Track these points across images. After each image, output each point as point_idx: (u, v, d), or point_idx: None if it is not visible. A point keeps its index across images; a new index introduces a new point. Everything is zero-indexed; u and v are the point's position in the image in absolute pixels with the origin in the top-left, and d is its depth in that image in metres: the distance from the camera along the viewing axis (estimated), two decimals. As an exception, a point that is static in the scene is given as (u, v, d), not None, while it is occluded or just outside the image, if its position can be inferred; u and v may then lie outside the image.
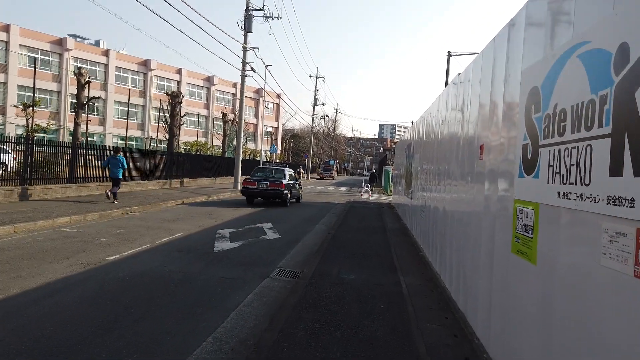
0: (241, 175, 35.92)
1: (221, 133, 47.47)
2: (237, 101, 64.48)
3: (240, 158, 26.27)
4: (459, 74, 6.47)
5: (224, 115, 34.35)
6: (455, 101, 6.55)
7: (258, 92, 62.04)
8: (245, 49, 25.67)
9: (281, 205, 18.42)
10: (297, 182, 21.25)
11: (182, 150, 34.35)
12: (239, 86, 63.53)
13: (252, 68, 25.99)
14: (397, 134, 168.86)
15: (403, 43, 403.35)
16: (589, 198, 2.36)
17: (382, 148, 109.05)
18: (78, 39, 50.65)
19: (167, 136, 43.02)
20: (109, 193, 14.82)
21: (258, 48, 26.24)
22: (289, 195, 18.51)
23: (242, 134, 46.07)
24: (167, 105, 26.13)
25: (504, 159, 3.96)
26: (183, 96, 25.94)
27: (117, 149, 16.05)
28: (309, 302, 5.49)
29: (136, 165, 22.09)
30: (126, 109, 51.23)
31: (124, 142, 48.03)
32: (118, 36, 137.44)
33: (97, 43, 57.57)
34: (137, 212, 13.50)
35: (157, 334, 4.40)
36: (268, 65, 30.90)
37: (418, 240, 10.34)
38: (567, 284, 2.62)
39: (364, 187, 30.99)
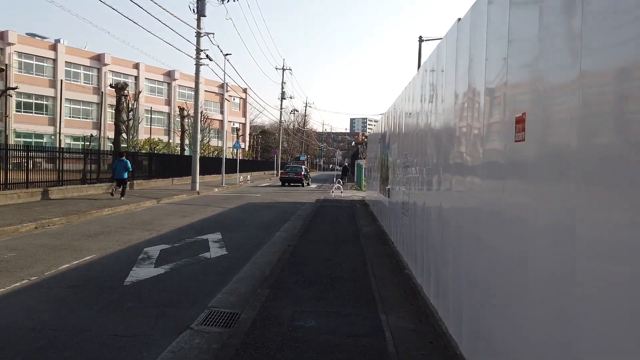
0: (203, 175, 33.46)
1: (188, 130, 44.60)
2: (201, 96, 61.74)
3: (198, 156, 23.72)
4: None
5: (182, 110, 31.58)
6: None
7: (222, 87, 59.09)
8: (199, 35, 23.08)
9: (300, 186, 31.52)
10: (307, 174, 35.82)
11: (133, 149, 31.43)
12: (202, 80, 60.90)
13: (207, 56, 23.43)
14: (369, 128, 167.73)
15: (373, 34, 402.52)
16: None
17: (353, 142, 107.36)
18: (37, 38, 46.61)
19: (124, 135, 39.94)
20: (112, 190, 17.72)
21: (213, 34, 23.78)
22: (304, 180, 32.40)
23: (200, 129, 43.08)
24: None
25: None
26: (128, 86, 23.10)
27: (121, 153, 18.35)
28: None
29: (75, 167, 19.32)
30: (79, 107, 48.06)
31: (81, 143, 44.69)
32: (80, 36, 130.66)
33: (56, 42, 53.42)
34: (56, 225, 10.96)
35: None
36: (227, 54, 28.36)
37: (399, 249, 8.24)
38: None
39: (335, 183, 28.89)
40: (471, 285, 3.69)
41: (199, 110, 23.57)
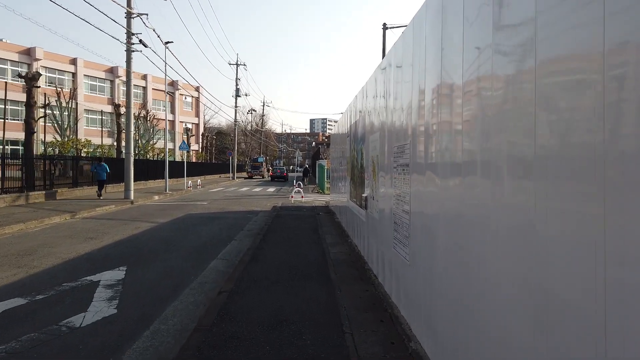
0: (147, 180, 29.62)
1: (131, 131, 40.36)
2: (148, 95, 57.28)
3: (132, 158, 20.09)
4: None
5: (117, 107, 27.68)
6: None
7: (173, 84, 55.00)
8: (129, 15, 19.50)
9: (284, 181, 43.78)
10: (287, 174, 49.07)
11: (53, 151, 27.22)
12: (149, 78, 56.52)
13: (141, 41, 19.84)
14: (329, 128, 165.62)
15: (334, 30, 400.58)
16: None
17: (314, 142, 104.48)
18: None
19: (58, 137, 35.46)
20: (98, 192, 19.42)
21: (147, 14, 20.21)
22: (287, 177, 47.72)
23: (145, 129, 39.09)
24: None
25: None
26: (40, 76, 19.20)
27: (100, 159, 21.69)
28: None
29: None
30: (4, 106, 42.73)
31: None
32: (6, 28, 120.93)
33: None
34: None
35: None
36: (168, 42, 24.76)
37: (392, 295, 5.31)
38: None
39: (295, 186, 25.84)
40: None
41: (131, 105, 19.93)
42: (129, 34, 19.61)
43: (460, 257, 3.08)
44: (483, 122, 2.74)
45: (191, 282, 6.50)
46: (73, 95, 36.45)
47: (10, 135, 39.09)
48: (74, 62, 47.65)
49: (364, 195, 7.69)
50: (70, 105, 35.30)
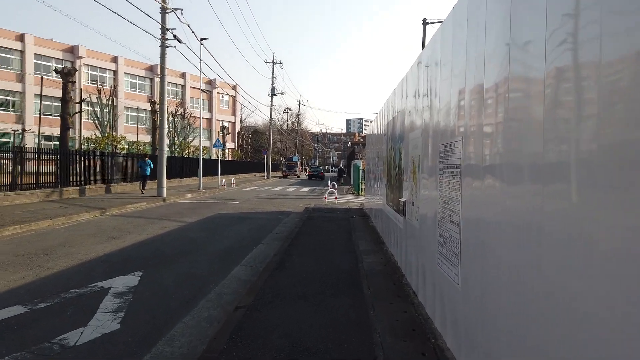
0: (181, 178, 29.60)
1: (168, 129, 40.61)
2: (186, 93, 57.86)
3: (165, 155, 19.87)
4: None
5: (153, 104, 27.70)
6: None
7: (211, 83, 55.30)
8: (164, 10, 19.29)
9: (320, 180, 45.14)
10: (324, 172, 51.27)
11: (89, 148, 27.50)
12: (187, 76, 57.08)
13: (175, 36, 19.61)
14: (365, 128, 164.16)
15: (370, 29, 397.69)
16: None
17: (349, 142, 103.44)
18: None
19: (98, 133, 36.08)
20: (142, 188, 20.61)
21: (181, 10, 19.91)
22: (324, 175, 50.48)
23: (181, 128, 39.32)
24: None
25: None
26: (76, 71, 19.27)
27: (144, 155, 22.32)
28: None
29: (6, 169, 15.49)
30: (51, 103, 44.00)
31: (50, 143, 40.74)
32: (49, 27, 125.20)
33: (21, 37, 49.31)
34: None
35: None
36: (203, 39, 24.51)
37: (437, 323, 4.51)
38: None
39: (329, 187, 25.15)
40: None
41: (165, 102, 19.72)
42: (164, 29, 19.40)
43: (537, 285, 2.28)
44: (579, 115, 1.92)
45: (209, 292, 5.87)
46: (113, 92, 37.00)
47: (54, 131, 40.19)
48: (115, 60, 48.58)
49: (402, 199, 6.89)
50: (110, 103, 35.84)
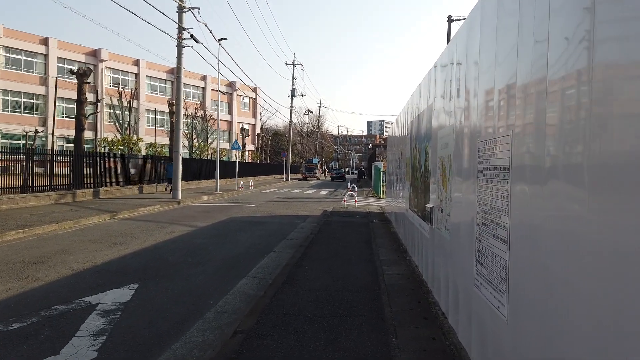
0: (199, 180, 29.21)
1: (187, 131, 40.36)
2: (207, 95, 57.81)
3: (180, 157, 19.39)
4: None
5: (170, 105, 27.36)
6: None
7: (231, 85, 55.08)
8: (181, 10, 18.83)
9: (342, 181, 46.68)
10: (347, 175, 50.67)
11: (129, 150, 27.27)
12: (208, 79, 57.03)
13: (192, 36, 19.14)
14: (386, 130, 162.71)
15: (391, 26, 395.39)
16: None
17: (370, 144, 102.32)
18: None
19: (119, 135, 36.06)
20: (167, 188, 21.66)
21: (198, 9, 19.42)
22: (345, 177, 49.26)
23: (201, 129, 39.04)
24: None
25: None
26: (92, 72, 18.94)
27: (170, 158, 22.54)
28: None
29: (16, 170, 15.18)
30: (73, 106, 44.32)
31: (72, 145, 40.97)
32: (72, 31, 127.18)
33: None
34: None
35: None
36: (221, 39, 24.02)
37: (473, 356, 3.70)
38: None
39: (349, 189, 24.35)
40: None
41: (181, 103, 19.25)
42: (180, 29, 18.95)
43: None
44: None
45: (207, 311, 5.17)
46: (134, 95, 36.96)
47: (70, 133, 40.32)
48: (137, 63, 48.78)
49: (428, 205, 6.08)
50: (131, 105, 35.81)
